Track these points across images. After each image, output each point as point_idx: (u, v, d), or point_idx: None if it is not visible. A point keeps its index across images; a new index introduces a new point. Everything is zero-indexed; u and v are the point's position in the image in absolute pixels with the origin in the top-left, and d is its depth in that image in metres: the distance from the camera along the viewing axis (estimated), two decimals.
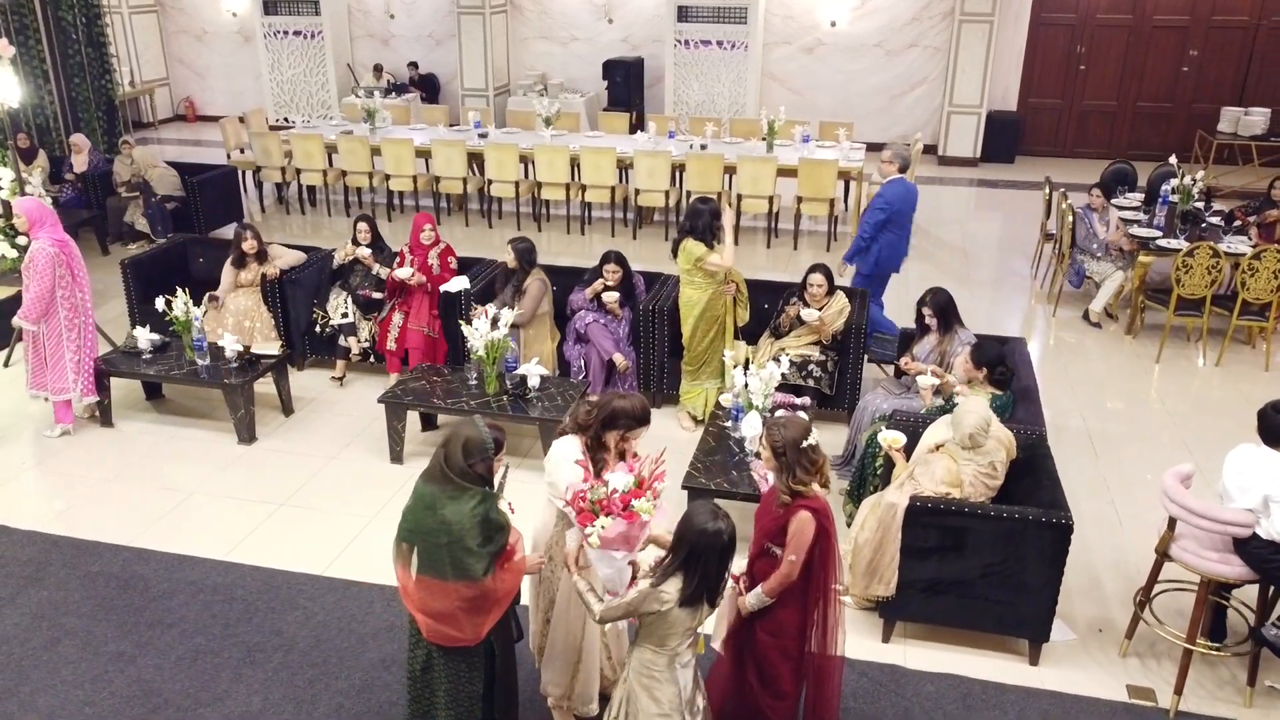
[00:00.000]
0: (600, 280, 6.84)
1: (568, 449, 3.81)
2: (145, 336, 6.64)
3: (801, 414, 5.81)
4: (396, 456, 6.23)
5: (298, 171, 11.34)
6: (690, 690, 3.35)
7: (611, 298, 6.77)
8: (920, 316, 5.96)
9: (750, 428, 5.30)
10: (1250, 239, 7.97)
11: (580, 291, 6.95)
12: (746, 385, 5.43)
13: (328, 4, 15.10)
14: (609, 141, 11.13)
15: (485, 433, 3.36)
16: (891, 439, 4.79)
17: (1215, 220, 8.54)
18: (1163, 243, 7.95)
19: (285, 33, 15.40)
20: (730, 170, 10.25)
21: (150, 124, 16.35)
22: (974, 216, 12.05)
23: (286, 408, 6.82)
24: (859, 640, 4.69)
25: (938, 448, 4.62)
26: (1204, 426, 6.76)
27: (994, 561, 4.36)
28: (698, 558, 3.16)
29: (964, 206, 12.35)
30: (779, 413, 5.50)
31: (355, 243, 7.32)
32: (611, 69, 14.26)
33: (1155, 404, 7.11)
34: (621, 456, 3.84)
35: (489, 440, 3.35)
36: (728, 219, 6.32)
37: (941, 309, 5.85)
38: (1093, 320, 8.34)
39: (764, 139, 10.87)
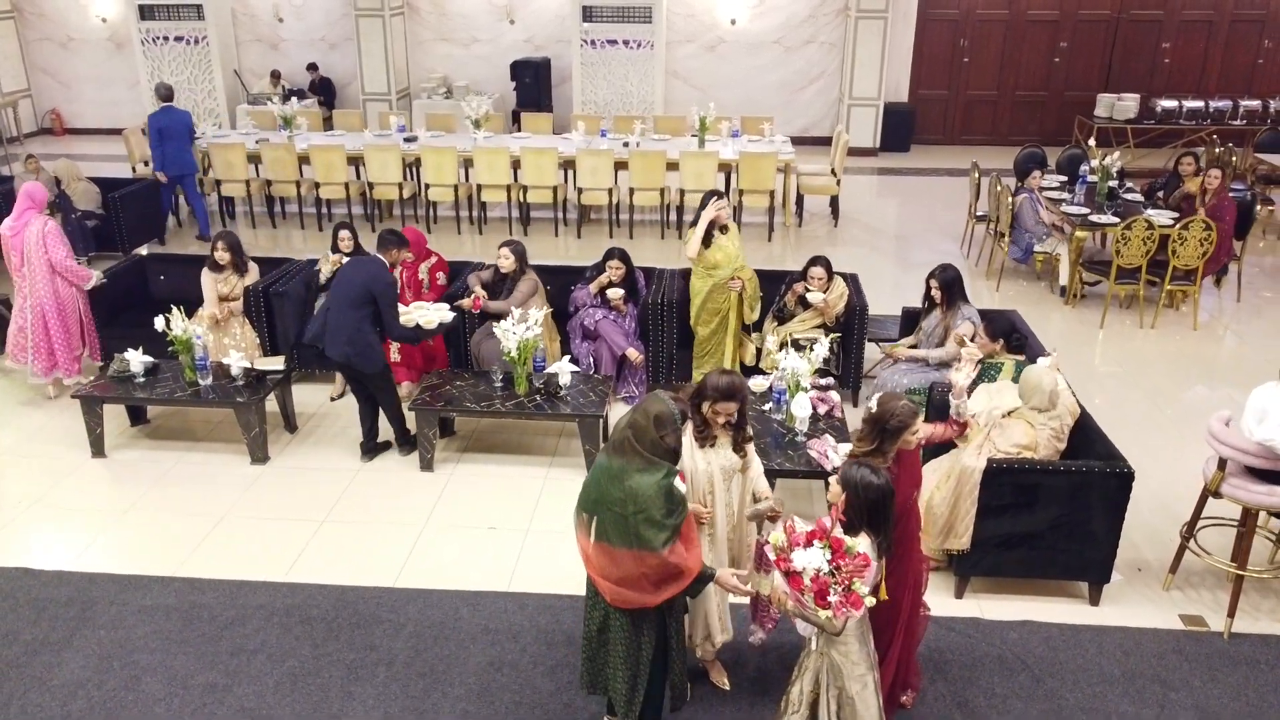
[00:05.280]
0: (605, 275, 6.91)
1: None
2: (138, 359, 6.28)
3: (833, 394, 6.14)
4: (426, 464, 6.14)
5: (217, 183, 10.85)
6: (871, 646, 3.55)
7: (616, 294, 6.85)
8: (928, 289, 6.32)
9: (801, 408, 5.53)
10: (1171, 212, 8.75)
11: (583, 289, 7.01)
12: (792, 369, 5.61)
13: (211, 8, 14.43)
14: (549, 142, 11.16)
15: (672, 405, 3.50)
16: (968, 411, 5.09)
17: (1131, 197, 9.33)
18: (1095, 218, 8.66)
19: (165, 38, 14.62)
20: (672, 166, 10.45)
21: (15, 139, 15.19)
22: (888, 203, 12.69)
23: (290, 424, 6.60)
24: (934, 598, 4.95)
25: (1009, 414, 4.97)
26: (1159, 383, 7.43)
27: (1063, 513, 4.73)
28: (878, 510, 3.37)
29: (874, 194, 12.97)
30: (810, 393, 5.77)
31: (337, 250, 7.12)
32: (520, 69, 14.24)
33: (1112, 365, 7.75)
34: (729, 426, 4.02)
35: (677, 412, 3.50)
36: (706, 212, 6.51)
37: (948, 284, 6.23)
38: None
39: (695, 135, 11.14)
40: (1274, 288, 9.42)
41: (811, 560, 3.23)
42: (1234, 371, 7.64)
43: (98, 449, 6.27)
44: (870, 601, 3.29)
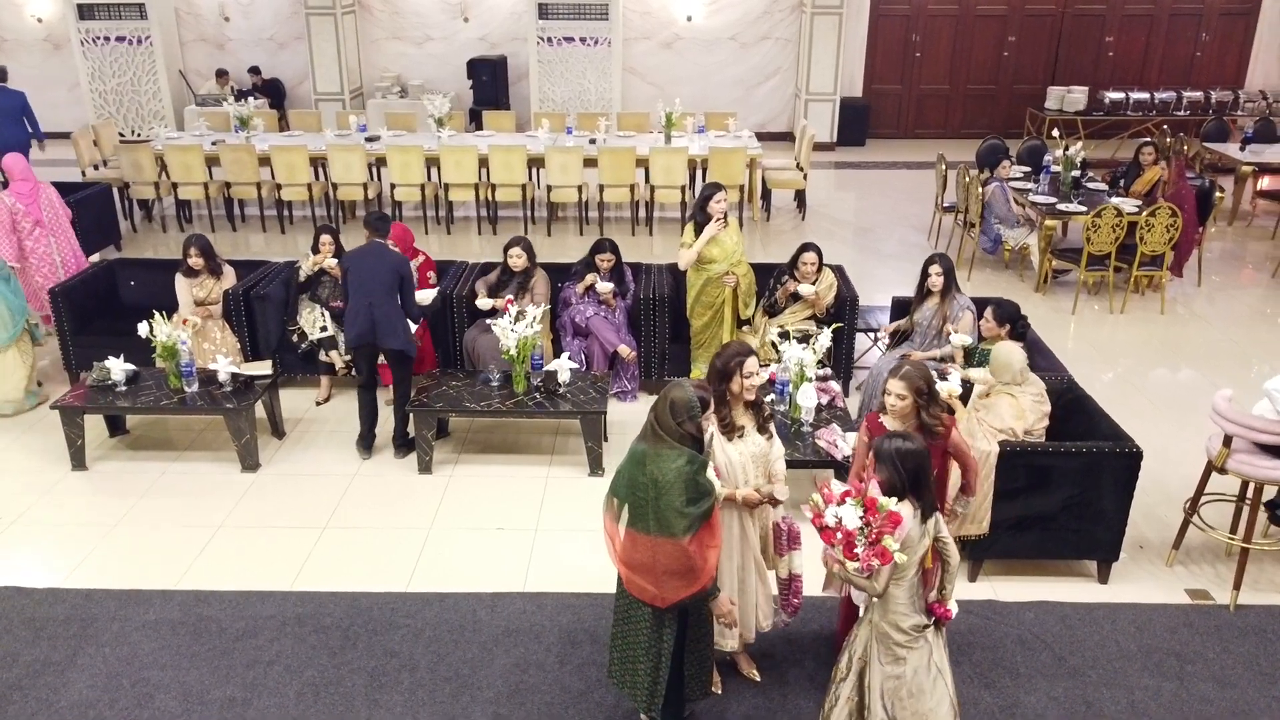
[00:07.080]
0: (592, 275, 6.86)
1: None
2: (119, 367, 6.06)
3: (833, 384, 6.18)
4: (425, 467, 6.03)
5: (174, 186, 10.54)
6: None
7: (605, 288, 6.81)
8: (925, 276, 6.36)
9: (806, 399, 5.55)
10: (1135, 201, 8.97)
11: (571, 287, 6.95)
12: (797, 360, 5.63)
13: (154, 7, 14.02)
14: (517, 140, 11.06)
15: (691, 393, 3.54)
16: (950, 389, 5.15)
17: (1093, 186, 9.56)
18: (1063, 207, 8.84)
19: (107, 38, 14.18)
20: (640, 162, 10.43)
21: None
22: (850, 197, 12.79)
23: (278, 430, 6.43)
24: None
25: (986, 394, 5.07)
26: (1134, 365, 7.62)
27: (1074, 493, 4.82)
28: (919, 475, 3.42)
29: (836, 188, 13.08)
30: (813, 385, 5.79)
31: (319, 252, 6.96)
32: (477, 68, 14.09)
33: (1086, 349, 7.92)
34: (750, 405, 4.07)
35: (695, 400, 3.52)
36: (711, 227, 6.50)
37: (949, 271, 6.30)
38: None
39: (662, 131, 11.13)
40: (1224, 272, 9.72)
41: (841, 514, 3.34)
42: (1202, 353, 7.85)
43: (78, 461, 6.04)
44: (901, 559, 3.35)
